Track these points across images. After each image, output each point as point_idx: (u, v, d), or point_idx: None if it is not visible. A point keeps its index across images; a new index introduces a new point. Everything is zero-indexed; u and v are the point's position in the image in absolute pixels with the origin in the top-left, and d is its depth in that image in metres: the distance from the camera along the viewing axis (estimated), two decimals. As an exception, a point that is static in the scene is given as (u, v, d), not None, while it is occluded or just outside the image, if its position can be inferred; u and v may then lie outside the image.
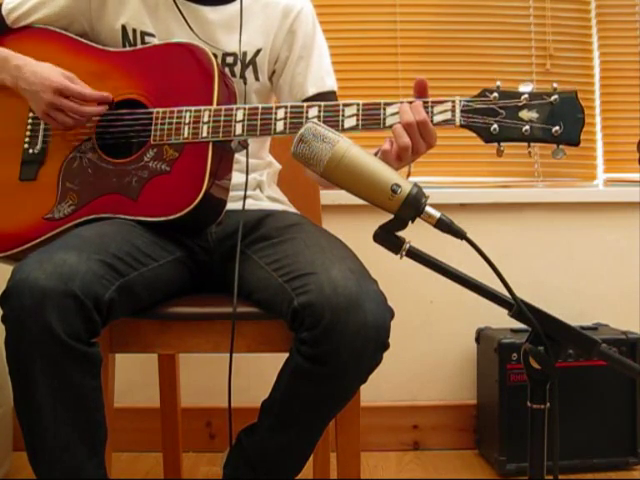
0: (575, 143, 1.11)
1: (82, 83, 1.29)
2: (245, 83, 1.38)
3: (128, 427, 1.94)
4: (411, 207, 0.90)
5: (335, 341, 1.05)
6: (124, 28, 1.37)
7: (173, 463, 1.71)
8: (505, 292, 0.90)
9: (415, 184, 0.92)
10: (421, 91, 1.17)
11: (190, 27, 1.34)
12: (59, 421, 1.04)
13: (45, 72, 1.27)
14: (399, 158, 1.15)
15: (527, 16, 2.17)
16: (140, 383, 1.97)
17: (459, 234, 0.90)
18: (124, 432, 1.81)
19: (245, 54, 1.39)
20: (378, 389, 2.03)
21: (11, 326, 1.04)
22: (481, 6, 2.17)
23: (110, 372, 1.27)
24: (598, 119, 2.18)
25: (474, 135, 1.16)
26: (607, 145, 2.18)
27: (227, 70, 1.36)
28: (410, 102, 1.16)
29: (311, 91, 1.42)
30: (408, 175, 1.19)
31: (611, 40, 2.18)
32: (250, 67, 1.40)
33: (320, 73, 1.44)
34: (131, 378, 1.94)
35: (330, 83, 1.45)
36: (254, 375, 1.70)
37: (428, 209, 0.91)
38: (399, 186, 0.91)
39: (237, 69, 1.39)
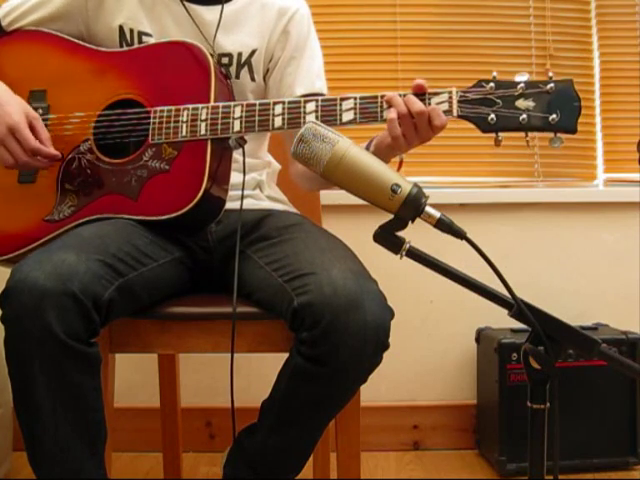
0: (572, 131, 1.12)
1: (42, 129, 1.25)
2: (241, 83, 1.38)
3: (128, 427, 1.94)
4: (411, 207, 0.90)
5: (335, 341, 1.05)
6: (121, 28, 1.36)
7: (173, 463, 1.71)
8: (505, 292, 0.90)
9: (415, 184, 0.92)
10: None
11: (196, 24, 1.34)
12: (59, 421, 1.04)
13: (10, 107, 1.24)
14: (391, 147, 1.17)
15: (527, 16, 2.17)
16: (140, 383, 1.97)
17: (459, 234, 0.90)
18: (124, 432, 1.81)
19: (240, 55, 1.39)
20: (378, 389, 2.03)
21: (10, 326, 1.04)
22: (481, 6, 2.17)
23: (110, 372, 1.27)
24: (598, 119, 2.17)
25: (474, 134, 1.16)
26: (607, 145, 2.18)
27: (223, 70, 1.35)
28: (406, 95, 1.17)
29: (299, 91, 1.40)
30: (400, 164, 1.20)
31: (611, 40, 2.18)
32: (245, 67, 1.40)
33: (310, 75, 1.43)
34: (131, 378, 1.94)
35: (319, 86, 1.44)
36: (254, 375, 1.70)
37: (428, 209, 0.91)
38: (399, 186, 0.91)
39: (232, 69, 1.39)
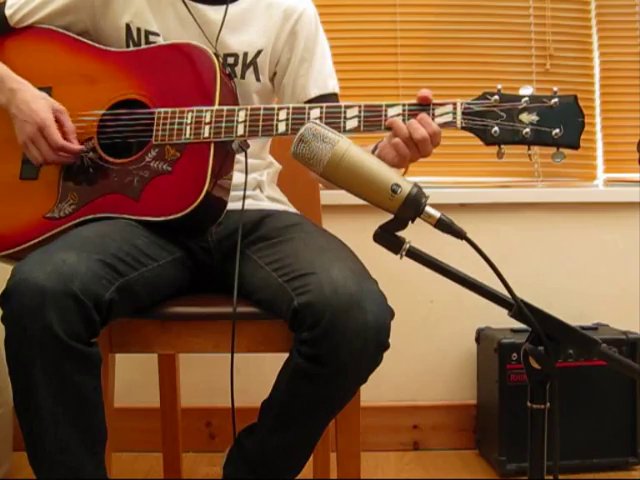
0: (575, 146, 1.12)
1: (68, 121, 1.26)
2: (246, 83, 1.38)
3: (128, 427, 1.93)
4: (411, 207, 0.90)
5: (335, 341, 1.05)
6: (128, 27, 1.37)
7: (173, 463, 1.71)
8: (505, 292, 0.90)
9: (415, 184, 0.92)
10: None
11: (199, 26, 1.34)
12: (59, 421, 1.04)
13: (35, 104, 1.25)
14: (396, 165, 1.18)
15: (527, 16, 2.17)
16: (140, 383, 1.97)
17: (459, 234, 0.91)
18: (124, 432, 1.80)
19: (246, 55, 1.39)
20: (378, 389, 2.03)
21: (11, 326, 1.04)
22: (481, 6, 2.17)
23: (110, 372, 1.27)
24: (598, 119, 2.18)
25: (474, 136, 1.16)
26: (607, 145, 2.18)
27: (228, 70, 1.36)
28: (411, 107, 1.17)
29: (313, 93, 1.42)
30: (405, 172, 1.20)
31: (611, 40, 2.18)
32: (251, 68, 1.40)
33: (323, 75, 1.44)
34: (131, 378, 1.94)
35: (332, 85, 1.45)
36: (254, 375, 1.70)
37: (428, 209, 0.91)
38: (399, 186, 0.91)
39: (238, 69, 1.39)
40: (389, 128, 1.17)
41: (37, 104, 1.25)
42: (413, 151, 1.16)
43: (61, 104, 1.30)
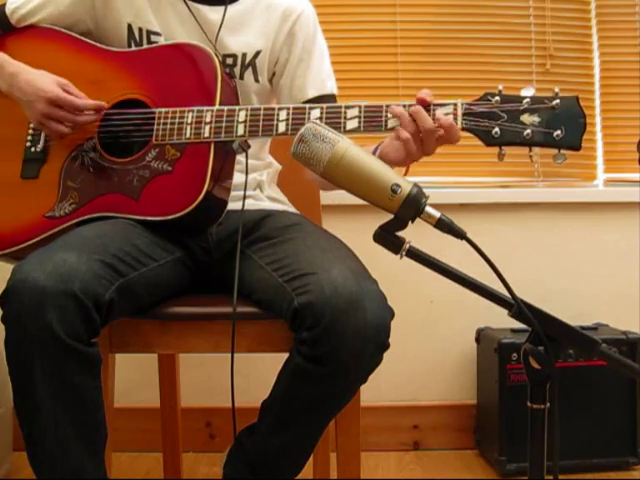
0: (576, 148, 1.11)
1: (76, 91, 1.28)
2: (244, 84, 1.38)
3: (128, 427, 1.93)
4: (411, 207, 0.90)
5: (335, 341, 1.05)
6: (130, 27, 1.37)
7: (173, 463, 1.71)
8: (505, 292, 0.90)
9: (415, 184, 0.92)
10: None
11: (200, 26, 1.34)
12: (59, 421, 1.04)
13: (39, 81, 1.26)
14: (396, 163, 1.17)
15: (527, 16, 2.17)
16: (140, 383, 1.97)
17: (459, 234, 0.90)
18: (124, 432, 1.80)
19: (245, 55, 1.39)
20: (378, 389, 2.03)
21: (11, 326, 1.04)
22: (481, 6, 2.17)
23: (110, 372, 1.27)
24: (598, 119, 2.18)
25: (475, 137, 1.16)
26: (607, 145, 2.18)
27: (227, 70, 1.36)
28: (410, 105, 1.16)
29: (311, 93, 1.42)
30: (406, 172, 1.20)
31: (611, 40, 2.18)
32: (249, 68, 1.40)
33: (321, 76, 1.44)
34: (131, 378, 1.94)
35: (330, 86, 1.45)
36: (254, 375, 1.70)
37: (428, 209, 0.91)
38: (399, 186, 0.91)
39: (237, 70, 1.39)
40: (391, 129, 1.17)
41: (41, 81, 1.26)
42: (418, 145, 1.15)
43: None
